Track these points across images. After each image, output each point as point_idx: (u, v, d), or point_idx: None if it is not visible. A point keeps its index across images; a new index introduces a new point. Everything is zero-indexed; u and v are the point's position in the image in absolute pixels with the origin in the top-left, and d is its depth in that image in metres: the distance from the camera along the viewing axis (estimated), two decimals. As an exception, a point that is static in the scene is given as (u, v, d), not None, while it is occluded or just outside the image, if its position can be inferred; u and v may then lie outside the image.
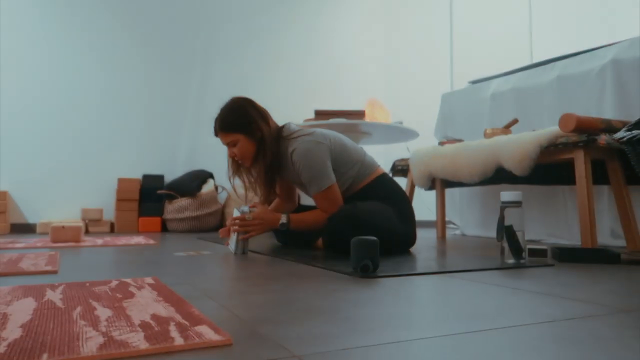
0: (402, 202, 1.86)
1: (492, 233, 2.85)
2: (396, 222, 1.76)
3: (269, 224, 1.77)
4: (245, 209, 1.77)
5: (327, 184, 1.75)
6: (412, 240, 1.85)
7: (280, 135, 1.82)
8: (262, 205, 1.83)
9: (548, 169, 2.31)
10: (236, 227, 1.73)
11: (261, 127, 1.77)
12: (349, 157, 1.84)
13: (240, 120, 1.77)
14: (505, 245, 1.43)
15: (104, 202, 3.55)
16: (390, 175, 2.95)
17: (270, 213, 1.79)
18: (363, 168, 1.86)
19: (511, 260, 1.42)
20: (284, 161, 1.82)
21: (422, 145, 2.95)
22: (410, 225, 1.85)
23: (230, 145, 1.80)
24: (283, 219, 1.77)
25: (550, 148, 1.99)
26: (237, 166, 1.88)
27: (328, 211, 1.75)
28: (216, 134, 1.83)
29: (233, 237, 1.77)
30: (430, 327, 0.70)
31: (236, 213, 1.78)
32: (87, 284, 1.06)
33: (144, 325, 0.69)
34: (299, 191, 2.31)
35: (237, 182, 1.92)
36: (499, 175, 2.28)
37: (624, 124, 1.90)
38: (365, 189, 1.85)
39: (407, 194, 2.79)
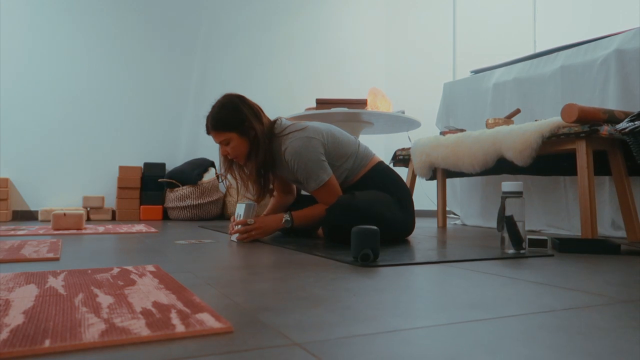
0: (400, 190, 1.85)
1: (493, 223, 2.86)
2: (395, 210, 1.76)
3: (272, 229, 1.79)
4: (250, 203, 1.77)
5: (324, 178, 1.74)
6: (410, 228, 1.85)
7: (272, 132, 1.80)
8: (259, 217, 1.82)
9: (549, 159, 2.30)
10: (239, 235, 1.74)
11: (254, 126, 1.75)
12: (343, 150, 1.83)
13: (233, 118, 1.75)
14: (506, 235, 1.43)
15: (106, 189, 3.56)
16: (392, 164, 2.94)
17: (271, 217, 1.79)
18: (358, 159, 1.86)
19: (511, 251, 1.42)
20: (278, 159, 1.81)
21: (424, 134, 2.95)
22: (409, 213, 1.84)
23: (222, 143, 1.79)
24: (286, 216, 1.77)
25: (552, 138, 1.98)
26: (229, 163, 1.87)
27: (330, 203, 1.75)
28: (208, 132, 1.81)
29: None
30: (429, 316, 0.70)
31: (240, 207, 1.79)
32: (89, 271, 1.06)
33: (146, 313, 0.69)
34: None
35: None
36: (500, 166, 2.28)
37: (626, 114, 1.89)
38: (363, 179, 1.85)
39: (408, 183, 2.79)
